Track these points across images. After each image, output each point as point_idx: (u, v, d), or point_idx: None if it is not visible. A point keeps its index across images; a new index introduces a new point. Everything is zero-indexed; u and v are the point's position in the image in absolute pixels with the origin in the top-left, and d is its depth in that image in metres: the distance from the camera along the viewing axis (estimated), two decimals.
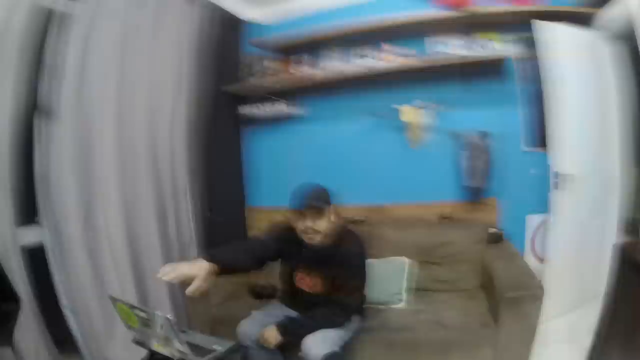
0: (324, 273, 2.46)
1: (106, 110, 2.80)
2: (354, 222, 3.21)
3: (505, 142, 3.36)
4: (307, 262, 2.50)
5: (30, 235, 2.56)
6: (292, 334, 2.33)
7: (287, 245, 2.53)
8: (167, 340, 1.83)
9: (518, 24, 3.24)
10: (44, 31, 2.50)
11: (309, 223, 2.35)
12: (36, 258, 2.52)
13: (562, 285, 3.07)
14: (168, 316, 1.74)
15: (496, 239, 3.25)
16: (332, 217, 2.43)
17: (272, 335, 2.32)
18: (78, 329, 2.66)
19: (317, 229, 2.36)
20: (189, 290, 2.01)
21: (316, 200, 2.35)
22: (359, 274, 2.47)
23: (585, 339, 2.56)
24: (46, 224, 2.55)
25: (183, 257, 3.43)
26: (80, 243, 2.70)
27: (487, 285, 2.91)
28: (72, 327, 2.66)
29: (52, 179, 2.56)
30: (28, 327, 2.34)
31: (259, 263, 2.47)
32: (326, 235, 2.41)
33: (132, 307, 1.87)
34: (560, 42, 3.04)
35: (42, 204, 2.54)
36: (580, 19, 3.09)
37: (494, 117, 3.38)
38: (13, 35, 2.29)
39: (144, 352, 2.05)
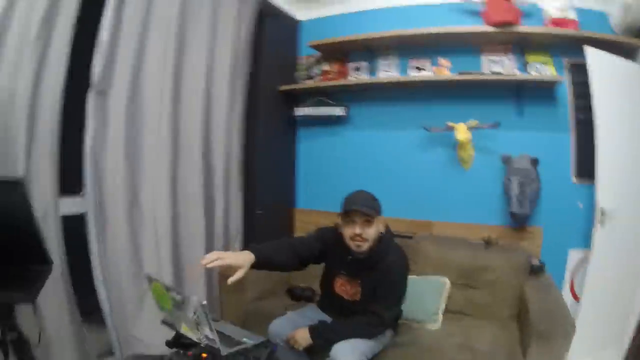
0: (364, 282, 2.44)
1: (162, 94, 2.83)
2: (402, 236, 3.15)
3: (555, 170, 3.28)
4: (350, 269, 2.49)
5: (71, 206, 2.59)
6: (324, 338, 2.32)
7: (332, 249, 2.53)
8: (197, 325, 1.82)
9: (572, 48, 3.18)
10: (99, 8, 2.52)
11: (358, 230, 2.33)
12: (73, 228, 2.53)
13: (592, 325, 2.98)
14: (204, 302, 1.72)
15: (537, 271, 3.14)
16: (380, 227, 2.41)
17: (304, 337, 2.32)
18: (107, 303, 2.68)
19: (365, 237, 2.34)
20: (232, 279, 2.02)
21: (368, 208, 2.32)
22: (399, 288, 2.45)
23: None
24: (91, 198, 2.57)
25: (226, 249, 3.45)
26: (124, 220, 2.72)
27: (521, 317, 2.84)
28: (100, 300, 2.68)
29: (101, 155, 2.58)
30: (55, 293, 2.35)
31: (301, 263, 2.47)
32: (373, 244, 2.38)
33: (168, 288, 1.86)
34: (609, 71, 2.99)
35: (88, 177, 2.56)
36: (628, 50, 3.07)
37: (545, 143, 3.30)
38: (67, 10, 2.31)
39: (169, 334, 2.04)
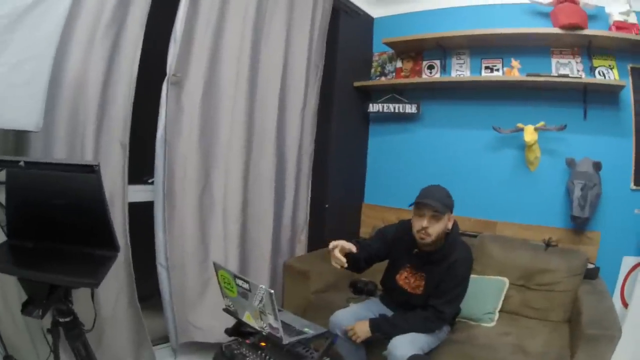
0: (428, 276, 2.46)
1: (237, 86, 2.87)
2: (467, 235, 3.19)
3: (615, 176, 3.21)
4: (415, 262, 2.52)
5: (139, 193, 2.68)
6: (383, 331, 2.37)
7: (397, 244, 2.57)
8: (261, 314, 1.86)
9: (636, 53, 3.13)
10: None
11: (425, 223, 2.35)
12: (137, 213, 2.59)
13: (636, 333, 2.90)
14: (271, 291, 1.75)
15: (592, 275, 3.10)
16: (449, 224, 2.43)
17: (363, 330, 2.36)
18: (167, 289, 2.74)
19: (430, 232, 2.36)
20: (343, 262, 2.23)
21: (438, 204, 2.34)
22: (462, 285, 2.45)
23: None
24: (160, 186, 2.63)
25: (293, 242, 3.55)
26: (194, 208, 2.78)
27: (573, 320, 2.81)
28: (161, 286, 2.75)
29: (173, 145, 2.64)
30: (116, 278, 2.42)
31: (367, 264, 2.55)
32: (438, 239, 2.40)
33: (236, 276, 1.89)
34: None
35: (159, 166, 2.62)
36: None
37: (607, 149, 3.24)
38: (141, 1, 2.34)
39: (227, 323, 2.09)
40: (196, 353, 2.95)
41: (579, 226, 3.26)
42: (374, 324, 2.38)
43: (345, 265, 2.25)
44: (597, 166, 3.11)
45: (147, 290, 2.80)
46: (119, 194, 2.39)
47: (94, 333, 2.13)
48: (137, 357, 2.61)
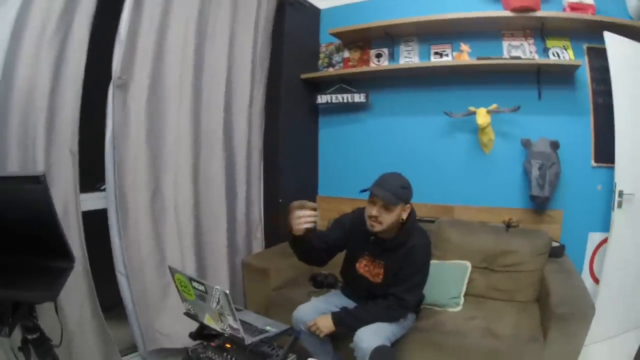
0: (387, 264, 2.44)
1: (182, 85, 2.83)
2: (424, 221, 3.16)
3: (575, 154, 3.25)
4: (373, 249, 2.49)
5: (92, 201, 2.62)
6: (347, 324, 2.35)
7: (354, 232, 2.55)
8: (220, 316, 1.83)
9: (591, 33, 3.15)
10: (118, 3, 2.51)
11: (375, 212, 2.33)
12: (93, 222, 2.55)
13: (611, 309, 2.99)
14: (227, 291, 1.72)
15: (557, 253, 3.14)
16: (403, 215, 2.40)
17: (326, 324, 2.34)
18: (129, 297, 2.68)
19: (380, 220, 2.34)
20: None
21: (389, 195, 2.30)
22: (421, 272, 2.44)
23: None
24: (112, 191, 2.57)
25: (249, 240, 3.51)
26: (146, 211, 2.73)
27: (542, 300, 2.83)
28: (123, 294, 2.69)
29: (122, 148, 2.58)
30: (77, 289, 2.37)
31: (328, 256, 2.57)
32: (390, 228, 2.38)
33: (191, 279, 1.86)
34: (628, 56, 2.98)
35: (109, 171, 2.56)
36: None
37: (565, 128, 3.27)
38: (86, 3, 2.30)
39: (192, 326, 2.05)
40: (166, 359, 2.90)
41: (539, 206, 3.29)
42: (337, 317, 2.36)
43: (316, 217, 2.30)
44: (555, 145, 3.14)
45: (112, 300, 2.75)
46: (72, 203, 2.34)
47: (64, 348, 2.12)
48: None
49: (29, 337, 1.72)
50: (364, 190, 2.35)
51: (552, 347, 2.37)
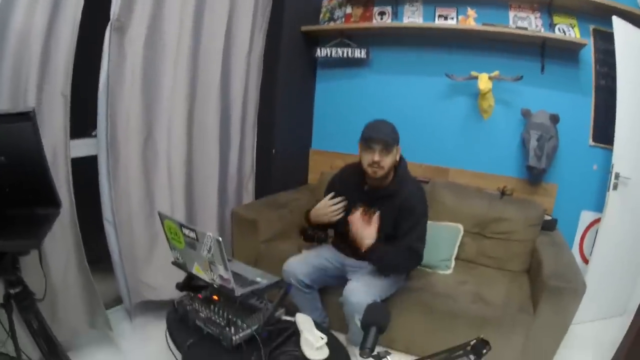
0: (383, 212, 2.42)
1: (181, 31, 2.74)
2: (419, 180, 3.07)
3: (573, 131, 3.23)
4: (367, 199, 2.48)
5: (82, 148, 2.54)
6: (377, 254, 2.37)
7: (346, 186, 2.56)
8: (210, 265, 1.79)
9: (598, 16, 3.12)
10: None
11: (377, 157, 2.32)
12: (83, 171, 2.49)
13: (598, 291, 2.98)
14: (219, 238, 1.68)
15: (550, 227, 3.14)
16: (397, 155, 2.42)
17: (371, 234, 2.36)
18: (116, 248, 2.64)
19: (382, 165, 2.34)
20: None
21: (387, 137, 2.32)
22: (424, 219, 2.46)
23: (607, 351, 2.54)
24: (103, 138, 2.51)
25: (240, 191, 3.48)
26: (137, 158, 2.67)
27: (533, 271, 2.84)
28: (110, 246, 2.65)
29: (116, 94, 2.50)
30: (64, 240, 2.33)
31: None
32: (389, 172, 2.40)
33: (182, 225, 1.81)
34: (634, 43, 2.96)
35: (101, 116, 2.50)
36: None
37: (565, 104, 3.23)
38: None
39: (179, 278, 2.03)
40: (151, 312, 2.87)
41: (535, 177, 3.28)
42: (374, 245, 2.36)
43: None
44: (555, 119, 3.12)
45: (97, 253, 2.68)
46: (61, 148, 2.26)
47: (47, 303, 2.10)
48: (92, 323, 2.54)
49: (12, 291, 1.69)
50: (362, 140, 2.37)
51: (542, 319, 2.39)
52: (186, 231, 1.80)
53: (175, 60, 2.74)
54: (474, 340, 1.25)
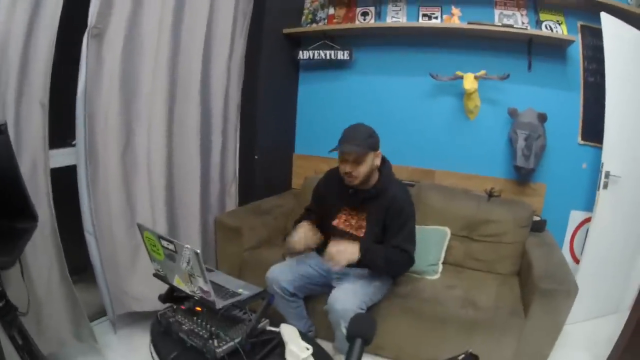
0: (369, 214, 2.42)
1: (160, 35, 2.68)
2: (404, 184, 3.05)
3: (562, 129, 3.21)
4: (353, 202, 2.47)
5: (62, 158, 2.51)
6: (369, 257, 2.33)
7: (330, 190, 2.55)
8: (190, 277, 1.74)
9: (586, 12, 3.11)
10: None
11: (348, 168, 2.32)
12: (63, 181, 2.45)
13: (590, 291, 2.97)
14: (197, 251, 1.63)
15: (539, 228, 3.12)
16: (376, 161, 2.39)
17: (353, 252, 2.29)
18: (98, 259, 2.59)
19: (355, 175, 2.33)
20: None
21: (359, 147, 2.29)
22: (412, 220, 2.43)
23: (602, 350, 2.54)
24: (82, 146, 2.45)
25: (222, 197, 3.43)
26: (117, 168, 2.62)
27: (524, 274, 2.81)
28: (91, 256, 2.60)
29: (94, 101, 2.45)
30: (45, 251, 2.29)
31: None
32: (366, 178, 2.38)
33: (160, 237, 1.77)
34: (623, 39, 2.93)
35: (80, 124, 2.44)
36: None
37: (553, 102, 3.21)
38: None
39: (163, 289, 1.98)
40: (136, 324, 2.83)
41: (522, 177, 3.26)
42: (363, 246, 2.32)
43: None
44: (542, 117, 3.08)
45: (82, 262, 2.67)
46: (40, 158, 2.21)
47: (32, 315, 2.08)
48: (78, 335, 2.49)
49: None
50: (333, 150, 2.33)
51: (534, 322, 2.37)
52: (165, 243, 1.76)
53: (153, 67, 2.69)
54: (462, 355, 1.20)
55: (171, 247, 1.73)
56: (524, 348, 2.40)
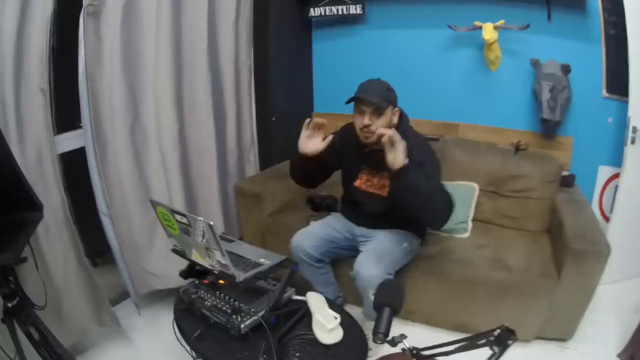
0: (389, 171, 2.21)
1: (160, 5, 2.56)
2: (428, 139, 2.89)
3: (585, 82, 3.05)
4: (371, 162, 2.33)
5: (71, 142, 2.46)
6: (412, 175, 2.02)
7: (347, 148, 2.41)
8: (207, 251, 1.69)
9: None
10: None
11: (366, 120, 2.15)
12: (77, 163, 2.42)
13: (620, 250, 2.76)
14: (211, 223, 1.57)
15: (568, 183, 3.01)
16: (394, 119, 2.24)
17: (401, 157, 2.01)
18: (115, 239, 2.54)
19: (373, 129, 2.14)
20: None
21: (379, 98, 2.13)
22: (436, 166, 2.25)
23: (630, 315, 2.49)
24: (88, 127, 2.38)
25: (241, 163, 3.40)
26: (126, 144, 2.56)
27: (554, 231, 2.70)
28: (108, 237, 2.55)
29: (96, 77, 2.38)
30: (60, 238, 2.26)
31: (324, 175, 2.48)
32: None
33: (173, 211, 1.71)
34: None
35: (84, 105, 2.36)
36: None
37: (575, 53, 3.04)
38: None
39: (184, 264, 1.95)
40: (160, 302, 2.83)
41: (549, 130, 3.12)
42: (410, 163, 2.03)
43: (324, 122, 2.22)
44: (566, 69, 2.93)
45: (106, 245, 2.59)
46: (45, 145, 2.16)
47: (52, 306, 2.10)
48: (99, 321, 2.48)
49: (9, 304, 1.63)
50: (350, 101, 2.19)
51: (566, 284, 2.30)
52: (178, 217, 1.70)
53: (156, 35, 2.58)
54: (498, 330, 1.12)
55: (185, 220, 1.67)
56: (556, 312, 2.33)
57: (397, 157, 1.98)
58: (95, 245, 2.55)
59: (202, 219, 1.59)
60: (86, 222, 2.50)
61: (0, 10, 1.92)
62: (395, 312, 1.29)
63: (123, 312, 2.68)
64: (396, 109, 2.25)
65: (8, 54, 1.97)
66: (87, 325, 2.42)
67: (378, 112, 2.14)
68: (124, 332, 2.59)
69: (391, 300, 1.30)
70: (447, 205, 2.11)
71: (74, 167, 2.42)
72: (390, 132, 1.97)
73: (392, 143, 1.97)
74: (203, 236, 1.63)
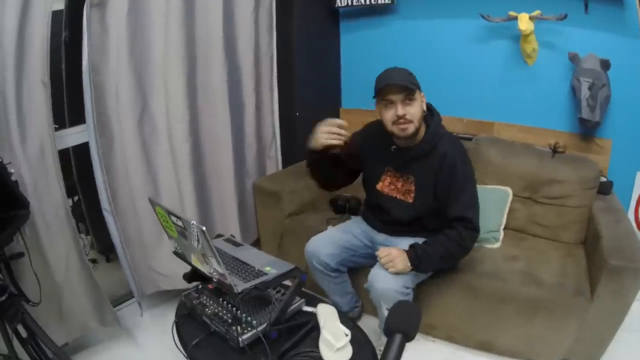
0: (418, 176, 2.11)
1: None
2: (459, 137, 2.77)
3: (625, 79, 2.83)
4: (397, 162, 2.17)
5: (76, 136, 2.43)
6: (424, 265, 2.01)
7: (370, 148, 2.25)
8: (204, 257, 1.57)
9: None
10: None
11: (400, 110, 1.96)
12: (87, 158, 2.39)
13: None
14: (203, 228, 1.43)
15: (605, 190, 2.79)
16: (423, 104, 2.05)
17: (403, 262, 1.97)
18: (118, 237, 2.48)
19: (409, 118, 1.97)
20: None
21: (403, 80, 1.96)
22: (472, 180, 2.10)
23: None
24: (91, 120, 2.31)
25: (261, 160, 3.30)
26: (134, 138, 2.48)
27: (590, 243, 2.51)
28: (112, 234, 2.49)
29: (101, 70, 2.29)
30: (62, 236, 2.22)
31: (350, 176, 2.39)
32: (419, 125, 2.03)
33: (169, 212, 1.57)
34: None
35: (88, 97, 2.29)
36: None
37: (613, 48, 2.83)
38: None
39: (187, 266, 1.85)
40: (167, 303, 2.78)
41: (587, 131, 2.92)
42: (414, 255, 1.99)
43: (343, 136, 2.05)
44: (605, 64, 2.73)
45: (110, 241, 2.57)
46: (47, 140, 2.13)
47: (53, 303, 2.15)
48: (101, 320, 2.43)
49: None
50: (378, 94, 2.04)
51: (599, 303, 2.11)
52: (174, 219, 1.57)
53: (165, 27, 2.46)
54: None
55: (180, 223, 1.55)
56: (586, 332, 2.16)
57: (399, 270, 1.97)
58: (109, 240, 2.49)
59: (194, 222, 1.46)
60: (100, 218, 2.45)
61: (2, 3, 1.89)
62: (407, 340, 1.13)
63: (128, 311, 2.68)
64: (422, 93, 2.07)
65: (9, 47, 1.94)
66: (88, 323, 2.38)
67: (409, 97, 1.98)
68: (129, 331, 2.58)
69: (404, 326, 1.13)
70: (470, 244, 2.11)
71: (89, 162, 2.37)
72: (384, 257, 1.98)
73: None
74: (198, 241, 1.50)
